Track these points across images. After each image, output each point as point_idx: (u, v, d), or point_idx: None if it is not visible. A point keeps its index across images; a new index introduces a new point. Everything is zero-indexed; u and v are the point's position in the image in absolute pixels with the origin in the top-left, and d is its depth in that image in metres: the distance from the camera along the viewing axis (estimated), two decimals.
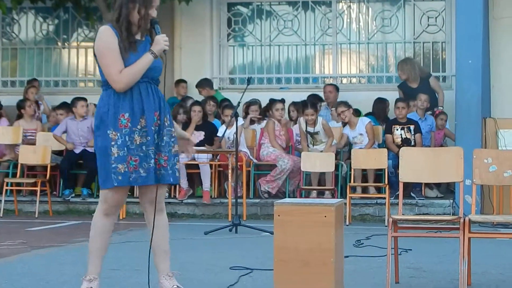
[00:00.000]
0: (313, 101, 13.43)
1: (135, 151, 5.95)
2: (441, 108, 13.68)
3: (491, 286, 6.87)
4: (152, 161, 5.97)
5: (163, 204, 6.17)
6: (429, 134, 13.14)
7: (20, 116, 14.27)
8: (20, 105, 14.30)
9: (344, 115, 13.02)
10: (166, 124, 6.05)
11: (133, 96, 5.96)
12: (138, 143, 5.94)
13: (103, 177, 5.97)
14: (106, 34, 5.95)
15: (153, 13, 6.01)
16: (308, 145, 12.92)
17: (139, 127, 5.94)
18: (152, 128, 5.96)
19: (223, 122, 13.16)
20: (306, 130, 12.90)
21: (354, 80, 15.10)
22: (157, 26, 6.00)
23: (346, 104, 13.13)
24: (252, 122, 13.63)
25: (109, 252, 6.19)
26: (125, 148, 5.92)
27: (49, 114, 14.68)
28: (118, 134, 5.92)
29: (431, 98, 13.50)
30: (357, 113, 13.58)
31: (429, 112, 13.52)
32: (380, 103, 13.95)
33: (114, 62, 5.92)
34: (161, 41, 5.97)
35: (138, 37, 6.03)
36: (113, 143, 5.92)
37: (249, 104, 13.58)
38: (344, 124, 13.22)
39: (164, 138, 6.03)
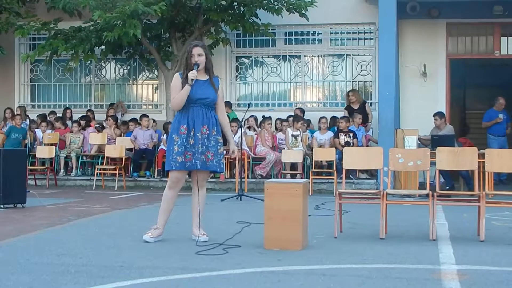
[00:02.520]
0: (299, 117, 13.38)
1: (189, 149, 6.02)
2: (370, 123, 13.67)
3: (399, 233, 6.88)
4: (202, 156, 6.03)
5: (205, 182, 6.23)
6: (361, 138, 13.13)
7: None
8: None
9: (323, 124, 13.26)
10: (213, 133, 6.09)
11: (188, 115, 6.06)
12: (191, 143, 6.03)
13: (168, 163, 6.10)
14: (174, 78, 6.18)
15: (193, 60, 6.09)
16: (290, 144, 12.85)
17: (191, 134, 6.04)
18: (199, 135, 6.01)
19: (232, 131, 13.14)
20: (292, 134, 12.88)
21: (315, 105, 15.08)
22: (195, 66, 6.07)
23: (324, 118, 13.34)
24: (249, 128, 13.59)
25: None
26: (183, 146, 6.01)
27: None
28: (179, 138, 6.03)
29: (363, 116, 13.50)
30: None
31: (364, 124, 13.50)
32: (332, 119, 13.92)
33: (173, 93, 6.11)
34: (190, 74, 6.04)
35: (201, 78, 6.10)
36: (175, 142, 6.04)
37: (249, 117, 13.56)
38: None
39: (212, 142, 6.09)
